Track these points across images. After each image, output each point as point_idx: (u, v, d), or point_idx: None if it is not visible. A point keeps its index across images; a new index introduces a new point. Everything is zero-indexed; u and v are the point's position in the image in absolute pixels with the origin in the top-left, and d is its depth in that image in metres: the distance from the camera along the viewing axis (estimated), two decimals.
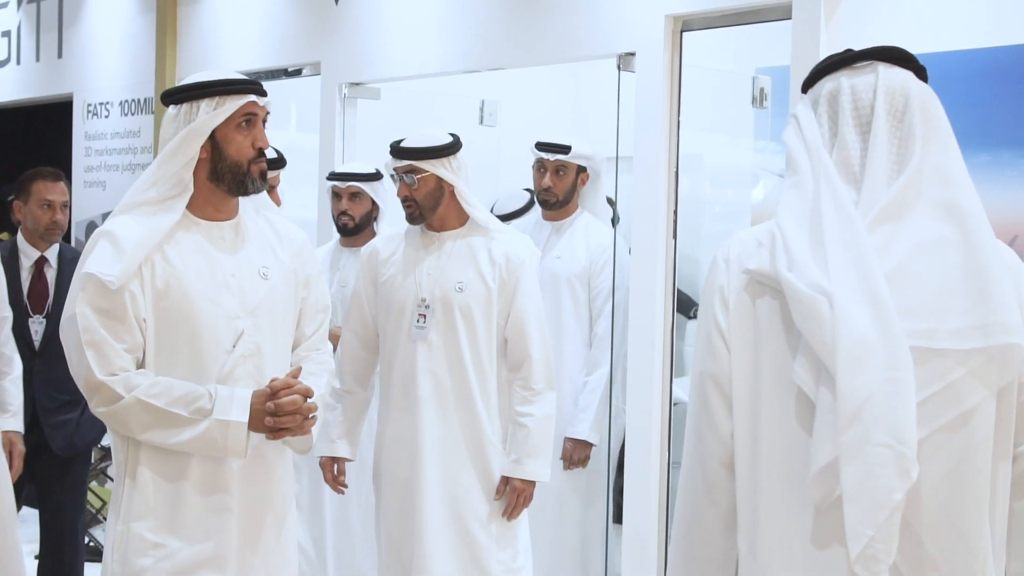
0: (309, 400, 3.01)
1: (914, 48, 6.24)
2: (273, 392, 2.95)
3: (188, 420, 2.91)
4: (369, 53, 5.97)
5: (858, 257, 1.88)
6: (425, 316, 3.95)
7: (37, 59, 8.29)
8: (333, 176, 5.09)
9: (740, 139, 6.72)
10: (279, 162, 4.49)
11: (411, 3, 5.77)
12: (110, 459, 6.57)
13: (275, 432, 2.98)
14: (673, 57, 4.70)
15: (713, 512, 2.09)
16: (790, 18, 4.30)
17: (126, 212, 3.03)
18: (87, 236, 7.72)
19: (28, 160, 6.37)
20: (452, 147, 3.99)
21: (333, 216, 5.05)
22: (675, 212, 4.74)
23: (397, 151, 4.00)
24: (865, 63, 2.09)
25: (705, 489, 2.09)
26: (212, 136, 3.02)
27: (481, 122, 6.50)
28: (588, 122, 6.64)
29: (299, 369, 3.10)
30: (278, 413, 2.94)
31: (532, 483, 3.99)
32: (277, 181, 4.49)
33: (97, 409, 2.96)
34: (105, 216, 7.51)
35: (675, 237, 4.76)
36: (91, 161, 7.72)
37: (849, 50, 2.10)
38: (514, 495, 3.97)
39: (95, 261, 2.94)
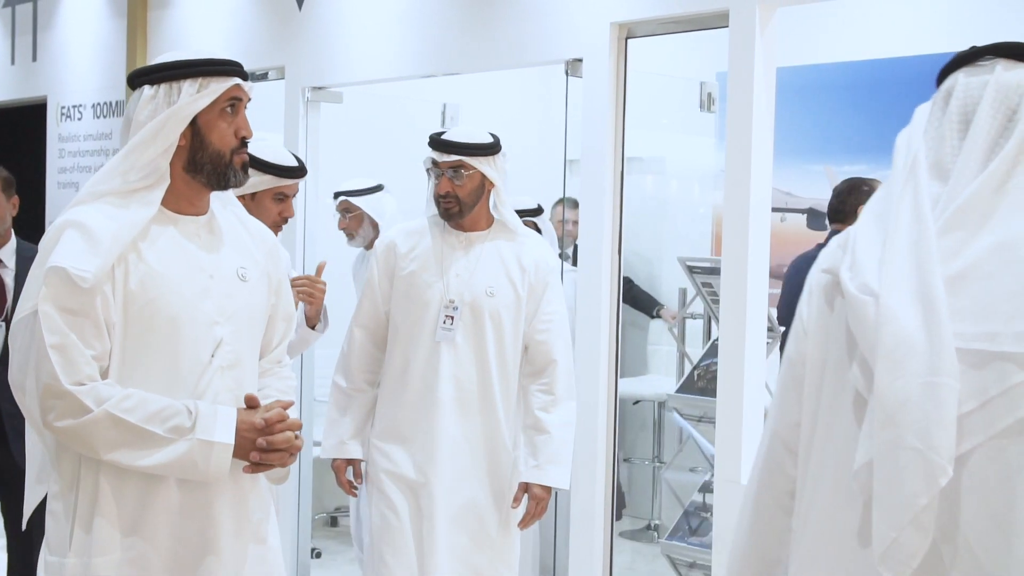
0: (297, 434, 2.74)
1: (853, 55, 6.40)
2: (268, 425, 2.66)
3: (164, 439, 2.57)
4: (332, 58, 6.11)
5: (921, 259, 1.83)
6: (452, 318, 3.86)
7: (12, 62, 8.40)
8: None
9: (702, 141, 6.88)
10: (300, 171, 4.18)
11: (371, 9, 5.91)
12: None
13: (257, 466, 2.70)
14: (619, 63, 4.83)
15: (771, 492, 2.11)
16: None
17: (90, 202, 2.66)
18: None
19: (2, 162, 6.47)
20: (497, 146, 3.93)
21: None
22: (620, 212, 4.86)
23: (445, 145, 3.87)
24: (987, 60, 1.98)
25: (767, 469, 2.12)
26: (193, 122, 2.69)
27: (443, 124, 6.64)
28: (552, 125, 6.78)
29: (291, 402, 2.79)
30: (269, 449, 2.67)
31: (550, 491, 3.90)
32: (296, 190, 4.19)
33: (56, 423, 2.57)
34: None
35: (620, 238, 4.88)
36: (64, 163, 7.84)
37: (974, 47, 2.02)
38: (533, 503, 3.88)
39: (64, 254, 2.56)
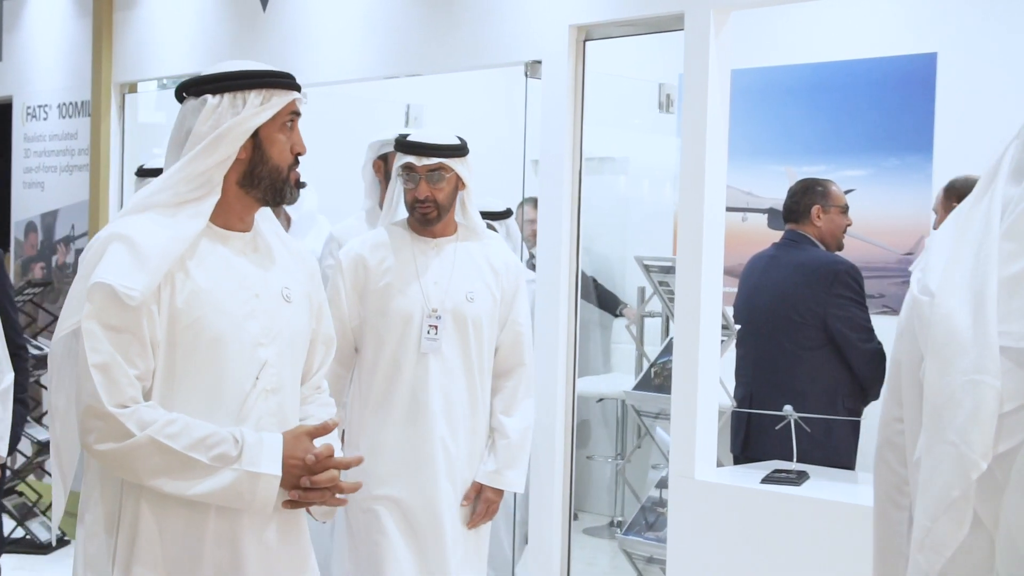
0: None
1: (814, 57, 6.47)
2: (318, 461, 2.56)
3: (209, 468, 2.47)
4: (296, 58, 6.14)
5: (980, 260, 1.87)
6: (436, 327, 3.76)
7: None
8: (155, 172, 4.76)
9: (666, 142, 6.96)
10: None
11: (335, 11, 5.96)
12: (46, 453, 6.73)
13: (296, 504, 2.60)
14: (577, 65, 4.91)
15: (882, 487, 2.17)
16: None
17: (137, 213, 2.58)
18: (26, 237, 7.85)
19: None
20: (467, 147, 3.86)
21: None
22: (579, 212, 4.93)
23: (425, 148, 3.77)
24: None
25: (877, 465, 2.17)
26: (254, 135, 2.61)
27: (407, 124, 6.70)
28: (515, 125, 6.84)
29: (336, 423, 2.70)
30: (311, 488, 2.57)
31: (502, 494, 3.89)
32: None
33: (97, 446, 2.46)
34: (45, 216, 7.68)
35: (579, 238, 4.94)
36: (30, 163, 7.86)
37: None
38: (484, 505, 3.85)
39: (110, 269, 2.47)
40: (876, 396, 4.92)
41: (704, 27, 4.40)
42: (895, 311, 5.26)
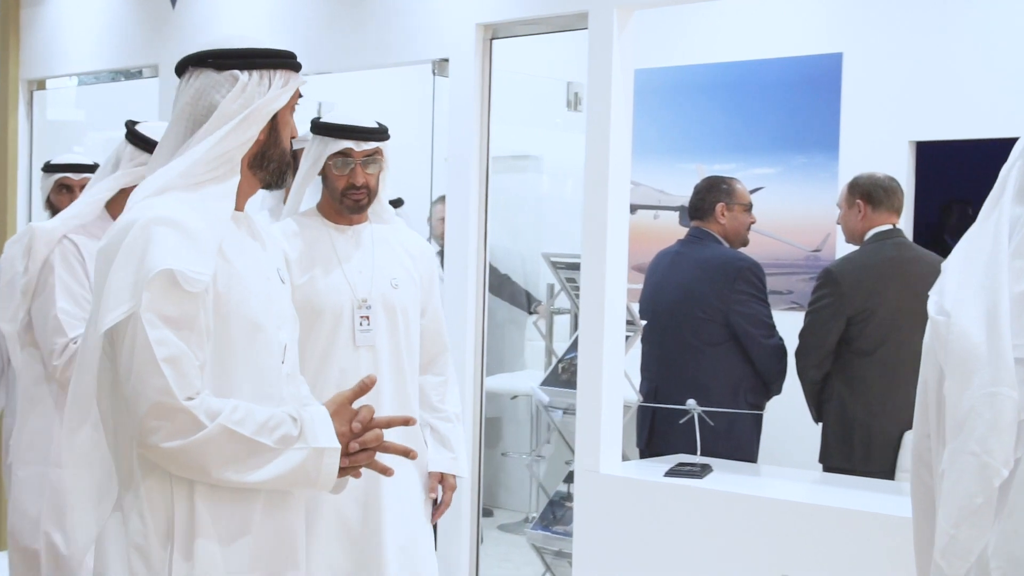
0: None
1: (725, 56, 6.56)
2: (364, 426, 2.45)
3: (274, 451, 2.35)
4: None
5: (990, 278, 1.94)
6: (369, 319, 3.62)
7: None
8: (64, 167, 4.68)
9: (580, 139, 7.01)
10: None
11: (244, 9, 5.95)
12: None
13: (344, 471, 2.46)
14: (484, 63, 4.94)
15: (917, 499, 2.21)
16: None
17: (160, 194, 2.43)
18: None
19: None
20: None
21: (60, 209, 4.56)
22: (486, 209, 4.96)
23: (366, 133, 3.62)
24: None
25: (913, 479, 2.22)
26: (272, 117, 2.52)
27: None
28: (423, 124, 6.86)
29: (374, 379, 2.56)
30: (359, 450, 2.46)
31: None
32: None
33: (164, 444, 2.30)
34: None
35: (486, 235, 4.97)
36: None
37: None
38: (450, 493, 3.79)
39: (166, 253, 2.31)
40: (778, 391, 5.00)
41: (608, 26, 4.45)
42: (802, 307, 5.36)
